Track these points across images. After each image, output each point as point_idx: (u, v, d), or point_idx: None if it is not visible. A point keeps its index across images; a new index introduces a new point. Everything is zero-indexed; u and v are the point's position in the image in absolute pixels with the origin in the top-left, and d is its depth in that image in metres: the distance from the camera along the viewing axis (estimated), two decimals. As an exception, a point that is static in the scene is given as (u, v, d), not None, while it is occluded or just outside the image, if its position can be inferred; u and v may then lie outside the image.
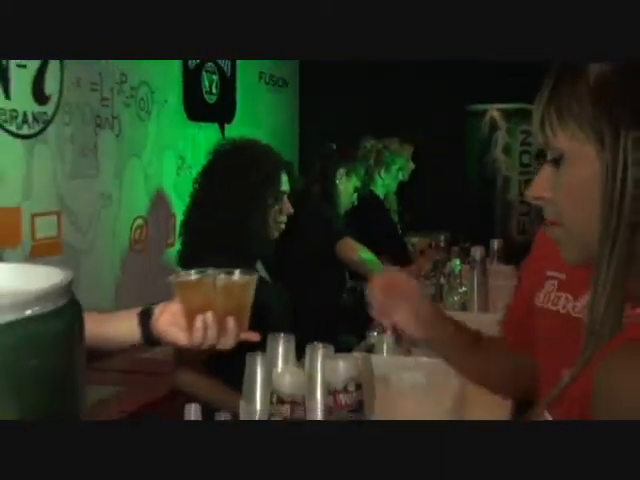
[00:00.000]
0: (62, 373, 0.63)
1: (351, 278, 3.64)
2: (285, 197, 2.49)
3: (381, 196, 4.30)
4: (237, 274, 1.48)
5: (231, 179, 2.43)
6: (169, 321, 1.50)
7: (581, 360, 0.86)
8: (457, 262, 3.46)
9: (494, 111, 5.59)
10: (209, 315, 1.44)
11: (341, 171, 3.80)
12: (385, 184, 4.31)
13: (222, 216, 2.39)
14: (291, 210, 2.51)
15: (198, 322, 1.44)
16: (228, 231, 2.37)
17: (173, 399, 2.33)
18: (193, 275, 1.51)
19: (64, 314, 0.63)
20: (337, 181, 3.79)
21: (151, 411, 2.86)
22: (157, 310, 1.52)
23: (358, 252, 3.38)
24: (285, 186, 2.49)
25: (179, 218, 2.79)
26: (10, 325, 0.56)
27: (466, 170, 5.73)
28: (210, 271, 1.49)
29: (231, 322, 1.46)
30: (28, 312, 0.58)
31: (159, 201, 3.84)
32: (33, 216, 2.92)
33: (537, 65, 0.91)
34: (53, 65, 3.02)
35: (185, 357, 2.16)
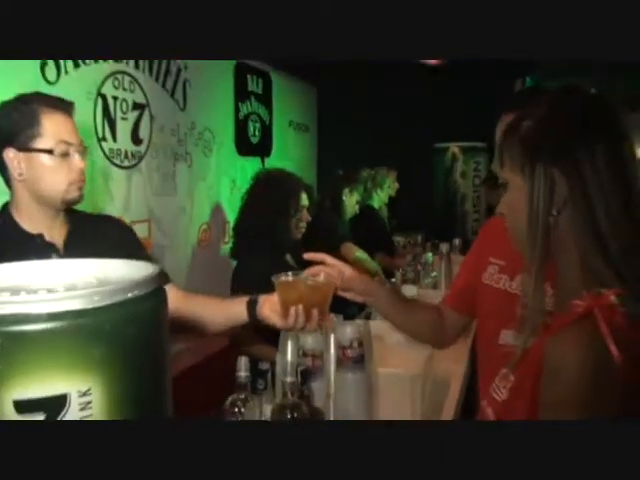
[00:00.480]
0: (153, 340, 0.63)
1: None
2: (305, 209, 2.48)
3: (376, 207, 4.28)
4: (322, 277, 1.43)
5: (265, 196, 2.43)
6: (270, 309, 1.48)
7: (527, 328, 0.86)
8: (430, 254, 3.45)
9: (454, 147, 5.58)
10: (300, 307, 1.42)
11: (346, 190, 3.79)
12: (379, 198, 4.29)
13: (259, 222, 2.39)
14: (309, 218, 2.50)
15: (292, 311, 1.42)
16: (264, 233, 2.37)
17: (229, 352, 2.33)
18: (290, 276, 1.46)
19: (154, 297, 0.63)
20: (344, 197, 3.78)
21: (212, 362, 2.84)
22: (261, 300, 1.50)
23: (355, 253, 3.36)
24: (304, 201, 2.48)
25: (231, 224, 2.79)
26: (118, 304, 0.56)
27: (435, 188, 5.74)
28: (302, 274, 1.45)
29: (315, 312, 1.43)
30: (129, 295, 0.58)
31: (217, 212, 3.84)
32: (131, 222, 2.93)
33: (486, 113, 0.90)
34: (145, 117, 3.03)
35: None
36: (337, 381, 1.50)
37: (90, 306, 0.54)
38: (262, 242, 2.36)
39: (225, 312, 1.59)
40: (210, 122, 3.72)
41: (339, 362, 1.50)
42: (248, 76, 4.20)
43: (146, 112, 3.03)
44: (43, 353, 0.53)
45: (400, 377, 1.63)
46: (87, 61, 2.56)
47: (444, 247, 3.25)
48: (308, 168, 5.30)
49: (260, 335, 2.18)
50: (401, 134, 5.29)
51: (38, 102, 1.36)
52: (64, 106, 1.40)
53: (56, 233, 1.44)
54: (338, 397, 1.49)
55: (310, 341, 1.55)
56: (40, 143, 1.35)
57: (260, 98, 4.38)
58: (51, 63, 2.38)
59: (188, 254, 3.52)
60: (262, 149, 4.46)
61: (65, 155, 1.37)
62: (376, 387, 1.58)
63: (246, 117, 4.20)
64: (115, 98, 2.77)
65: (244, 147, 4.17)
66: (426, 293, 2.69)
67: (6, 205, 1.45)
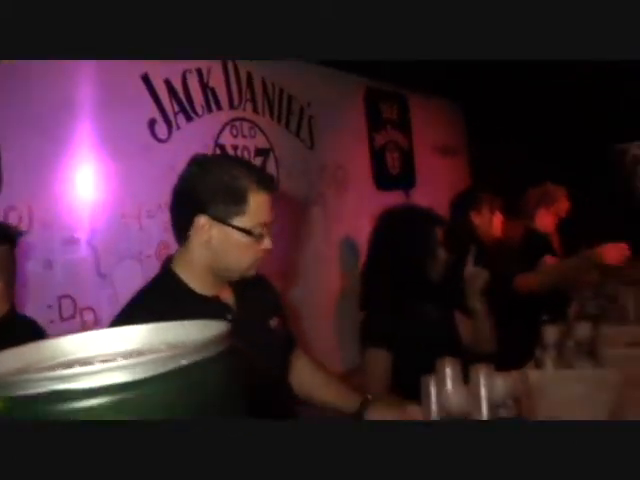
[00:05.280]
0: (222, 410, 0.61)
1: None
2: (441, 248, 2.35)
3: (542, 231, 3.98)
4: None
5: (393, 238, 2.39)
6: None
7: None
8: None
9: (637, 148, 5.20)
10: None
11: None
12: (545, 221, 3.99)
13: (388, 267, 2.34)
14: (443, 257, 2.36)
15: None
16: (394, 280, 2.31)
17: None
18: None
19: (220, 361, 0.60)
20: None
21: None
22: (374, 405, 1.71)
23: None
24: (440, 239, 2.35)
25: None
26: (165, 374, 0.54)
27: (615, 199, 5.29)
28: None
29: None
30: (182, 362, 0.56)
31: (359, 257, 3.84)
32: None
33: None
34: (270, 163, 3.14)
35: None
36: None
37: (130, 379, 0.53)
38: (393, 290, 2.29)
39: (337, 398, 1.77)
40: (343, 158, 3.77)
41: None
42: (380, 103, 4.22)
43: (271, 157, 3.14)
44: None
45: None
46: (200, 113, 2.71)
47: (633, 272, 2.96)
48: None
49: (399, 392, 2.12)
50: (567, 139, 4.96)
51: (249, 179, 1.47)
52: (271, 185, 1.52)
53: (226, 295, 1.58)
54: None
55: (456, 399, 1.45)
56: (241, 222, 1.46)
57: (397, 124, 4.38)
58: (160, 120, 2.54)
59: (330, 303, 3.54)
60: (404, 181, 4.43)
61: (260, 237, 1.49)
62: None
63: (382, 147, 4.22)
64: (235, 147, 2.90)
65: (383, 181, 4.17)
66: (612, 330, 2.43)
67: (168, 262, 1.56)
